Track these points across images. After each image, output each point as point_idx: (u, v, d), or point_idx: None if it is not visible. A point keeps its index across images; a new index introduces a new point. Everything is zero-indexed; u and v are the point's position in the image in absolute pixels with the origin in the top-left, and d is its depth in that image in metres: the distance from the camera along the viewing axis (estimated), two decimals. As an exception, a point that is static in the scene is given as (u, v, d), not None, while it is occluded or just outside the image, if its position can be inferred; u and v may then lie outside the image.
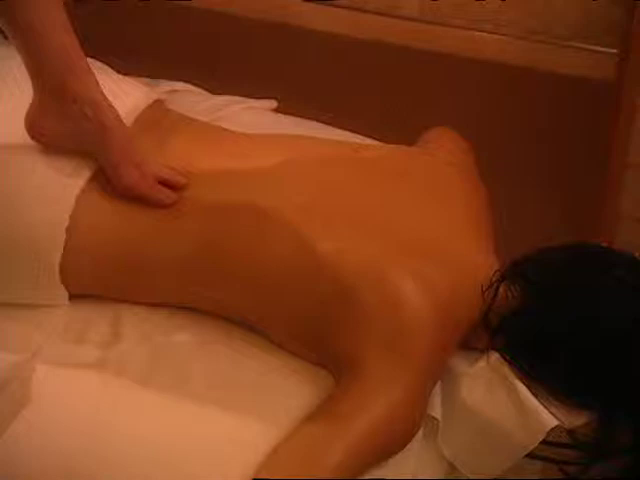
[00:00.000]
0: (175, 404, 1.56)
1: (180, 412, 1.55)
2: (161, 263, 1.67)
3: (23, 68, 1.76)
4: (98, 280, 1.70)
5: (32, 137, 1.68)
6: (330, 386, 1.55)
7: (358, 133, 2.05)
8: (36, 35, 1.61)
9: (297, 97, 2.21)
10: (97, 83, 1.65)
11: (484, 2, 2.70)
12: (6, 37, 1.66)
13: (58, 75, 1.62)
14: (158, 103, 1.88)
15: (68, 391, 1.57)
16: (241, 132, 1.87)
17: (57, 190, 1.63)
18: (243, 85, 2.19)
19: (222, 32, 2.77)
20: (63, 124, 1.66)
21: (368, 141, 2.03)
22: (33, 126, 1.69)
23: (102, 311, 1.69)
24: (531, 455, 1.47)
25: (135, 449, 1.51)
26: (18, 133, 1.76)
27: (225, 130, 1.88)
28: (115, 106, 1.72)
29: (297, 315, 1.58)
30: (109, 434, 1.52)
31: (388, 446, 1.45)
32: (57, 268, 1.64)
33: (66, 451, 1.49)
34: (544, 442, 1.46)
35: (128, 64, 1.97)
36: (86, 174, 1.67)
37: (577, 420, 1.46)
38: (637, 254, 1.69)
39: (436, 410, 1.53)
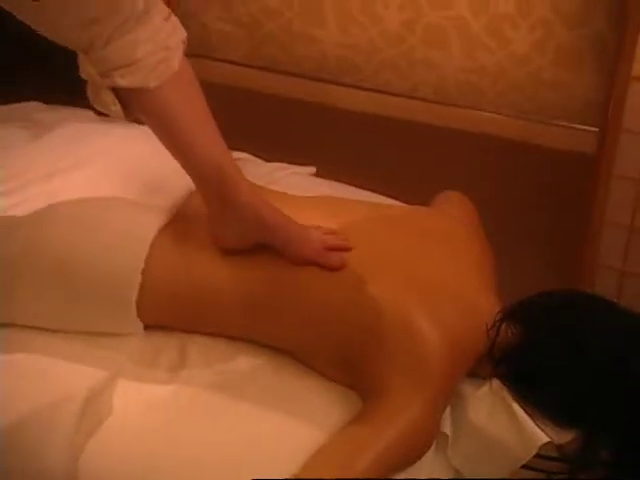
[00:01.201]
0: (234, 415, 1.56)
1: (238, 422, 1.54)
2: (226, 302, 1.65)
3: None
4: (169, 314, 1.68)
5: (221, 247, 1.66)
6: (357, 404, 1.54)
7: (382, 194, 2.06)
8: (186, 149, 1.59)
9: (331, 164, 2.22)
10: (249, 185, 1.63)
11: (487, 87, 2.74)
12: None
13: (213, 188, 1.60)
14: None
15: (144, 404, 1.56)
16: (291, 194, 1.85)
17: (134, 237, 1.62)
18: (288, 154, 2.19)
19: (270, 111, 2.80)
20: (235, 228, 1.64)
21: (390, 201, 2.03)
22: (216, 238, 1.66)
23: (170, 340, 1.68)
24: (526, 466, 1.47)
25: (201, 452, 1.50)
26: (100, 189, 1.80)
27: (279, 192, 1.85)
28: (183, 171, 1.70)
29: (334, 347, 1.58)
30: (179, 440, 1.51)
31: (408, 456, 1.45)
32: (134, 305, 1.63)
33: (144, 455, 1.49)
34: (537, 455, 1.46)
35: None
36: (158, 224, 1.67)
37: (564, 438, 1.46)
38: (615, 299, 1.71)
39: (446, 427, 1.53)
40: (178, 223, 1.71)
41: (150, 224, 1.66)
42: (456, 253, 1.67)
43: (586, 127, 2.55)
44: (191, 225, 1.70)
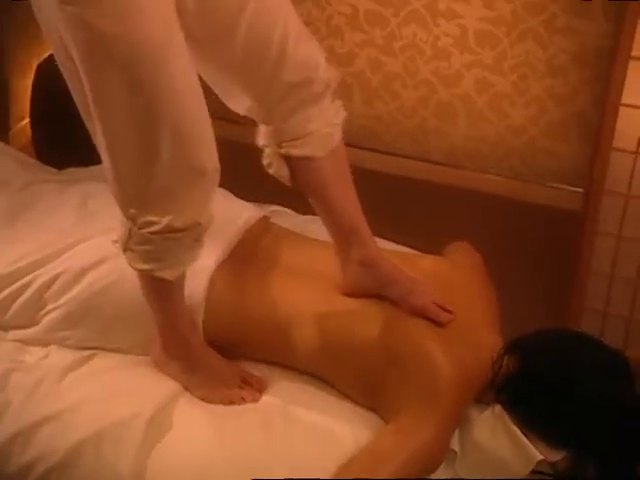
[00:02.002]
0: (286, 422, 1.55)
1: (289, 426, 1.54)
2: (276, 330, 1.64)
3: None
4: (224, 339, 1.66)
5: (342, 291, 1.65)
6: (378, 424, 1.55)
7: (400, 244, 2.05)
8: None
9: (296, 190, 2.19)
10: (375, 244, 1.66)
11: (489, 153, 2.74)
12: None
13: (347, 242, 1.64)
14: (265, 218, 1.86)
15: (202, 418, 1.56)
16: (322, 240, 1.82)
17: (196, 271, 1.57)
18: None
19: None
20: (359, 277, 1.63)
21: (408, 250, 1.98)
22: (342, 283, 1.65)
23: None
24: (523, 480, 1.48)
25: (253, 453, 1.50)
26: None
27: (313, 239, 1.85)
28: (237, 219, 1.74)
29: (362, 376, 1.57)
30: (233, 443, 1.51)
31: (423, 469, 1.45)
32: (201, 329, 1.63)
33: (200, 461, 1.49)
34: (533, 471, 1.46)
35: (239, 193, 1.96)
36: (217, 259, 1.66)
37: (556, 456, 1.46)
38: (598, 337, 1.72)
39: (455, 444, 1.52)
40: (232, 262, 1.69)
41: (210, 259, 1.64)
42: (466, 297, 1.66)
43: (573, 188, 2.55)
44: (243, 264, 1.70)
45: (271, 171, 1.62)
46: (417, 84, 2.71)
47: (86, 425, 1.52)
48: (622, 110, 2.06)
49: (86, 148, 2.13)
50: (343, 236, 1.65)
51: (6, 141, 2.56)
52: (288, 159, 1.59)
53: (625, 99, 2.05)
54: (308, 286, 1.66)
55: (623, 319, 2.25)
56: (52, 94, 2.65)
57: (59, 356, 1.68)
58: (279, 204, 2.12)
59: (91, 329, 1.69)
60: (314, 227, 1.97)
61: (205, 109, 1.43)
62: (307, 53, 1.54)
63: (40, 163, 2.27)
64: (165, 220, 1.42)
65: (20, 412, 1.55)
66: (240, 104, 1.60)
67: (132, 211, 1.44)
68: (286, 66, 1.51)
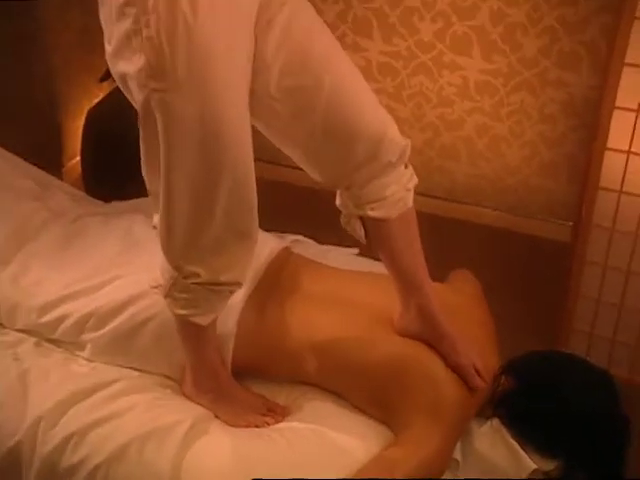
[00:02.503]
0: (309, 432, 1.53)
1: (309, 436, 1.52)
2: (295, 354, 1.61)
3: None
4: (253, 363, 1.65)
5: (395, 328, 1.61)
6: (388, 435, 1.53)
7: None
8: None
9: (368, 248, 2.20)
10: (435, 296, 1.59)
11: (487, 189, 2.76)
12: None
13: (409, 293, 1.59)
14: (286, 248, 1.81)
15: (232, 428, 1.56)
16: (342, 269, 1.81)
17: (225, 308, 1.56)
18: (332, 238, 2.07)
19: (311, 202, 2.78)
20: (413, 322, 1.59)
21: None
22: (396, 322, 1.61)
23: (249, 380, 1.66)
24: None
25: (282, 457, 1.48)
26: None
27: (331, 267, 1.81)
28: (261, 252, 1.66)
29: (373, 393, 1.56)
30: (263, 451, 1.49)
31: (429, 476, 1.43)
32: (230, 357, 1.62)
33: (228, 460, 1.48)
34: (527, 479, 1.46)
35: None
36: (244, 295, 1.63)
37: (549, 466, 1.45)
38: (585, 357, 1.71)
39: (458, 454, 1.52)
40: (257, 294, 1.66)
41: (237, 296, 1.60)
42: (467, 321, 1.65)
43: (564, 222, 2.58)
44: (266, 295, 1.66)
45: (348, 229, 1.59)
46: (424, 127, 2.74)
47: (132, 428, 1.51)
48: (607, 154, 2.06)
49: (129, 183, 2.10)
50: (406, 288, 1.61)
51: (59, 177, 2.55)
52: (364, 219, 1.57)
53: (610, 144, 2.05)
54: (325, 311, 1.64)
55: (608, 340, 2.24)
56: (100, 136, 2.70)
57: (106, 369, 1.67)
58: (298, 233, 2.08)
59: (131, 357, 1.67)
60: (331, 255, 1.97)
61: (254, 178, 1.43)
62: (381, 126, 1.49)
63: (89, 197, 2.26)
64: (209, 274, 1.43)
65: (74, 415, 1.55)
66: (318, 174, 1.58)
67: (179, 262, 1.44)
68: (363, 141, 1.47)
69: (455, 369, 1.54)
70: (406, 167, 1.55)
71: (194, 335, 1.54)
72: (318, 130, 1.48)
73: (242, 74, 1.36)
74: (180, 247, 1.44)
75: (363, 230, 1.58)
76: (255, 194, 1.44)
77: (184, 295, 1.46)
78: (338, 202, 1.59)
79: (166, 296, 1.49)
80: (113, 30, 1.31)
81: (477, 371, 1.54)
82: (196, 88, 1.29)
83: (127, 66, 1.31)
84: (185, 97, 1.29)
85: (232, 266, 1.46)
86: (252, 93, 1.43)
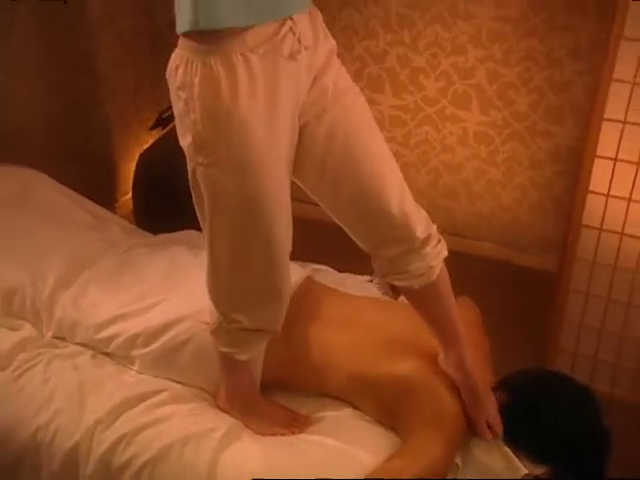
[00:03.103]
0: (327, 442, 1.51)
1: (327, 445, 1.50)
2: (316, 373, 1.60)
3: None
4: (273, 381, 1.63)
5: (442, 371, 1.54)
6: (396, 440, 1.52)
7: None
8: None
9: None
10: (471, 355, 1.51)
11: (483, 226, 2.75)
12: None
13: (451, 347, 1.51)
14: (309, 277, 1.78)
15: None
16: (358, 295, 1.78)
17: None
18: (349, 267, 2.04)
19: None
20: (451, 367, 1.52)
21: None
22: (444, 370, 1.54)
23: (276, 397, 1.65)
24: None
25: (303, 462, 1.47)
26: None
27: (348, 294, 1.78)
28: None
29: (384, 405, 1.54)
30: (287, 456, 1.48)
31: (435, 476, 1.42)
32: (260, 376, 1.60)
33: (257, 461, 1.47)
34: None
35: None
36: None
37: (539, 470, 1.44)
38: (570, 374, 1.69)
39: (458, 459, 1.50)
40: (285, 319, 1.57)
41: None
42: (468, 342, 1.60)
43: (551, 255, 2.56)
44: (291, 321, 1.60)
45: (379, 286, 1.57)
46: (428, 171, 2.74)
47: (174, 433, 1.52)
48: (589, 196, 2.06)
49: (173, 217, 2.18)
50: (441, 341, 1.53)
51: (113, 211, 2.55)
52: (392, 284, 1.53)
53: (591, 188, 2.05)
54: (343, 334, 1.62)
55: (590, 359, 2.22)
56: (149, 176, 2.71)
57: (152, 380, 1.67)
58: (319, 262, 2.05)
59: (173, 371, 1.67)
60: (348, 282, 1.94)
61: (288, 247, 1.41)
62: (408, 213, 1.42)
63: (138, 229, 2.26)
64: (250, 322, 1.43)
65: (125, 420, 1.55)
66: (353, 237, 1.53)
67: (223, 308, 1.45)
68: (390, 225, 1.42)
69: (470, 420, 1.50)
70: (435, 246, 1.46)
71: (232, 365, 1.54)
72: (350, 214, 1.46)
73: (280, 157, 1.32)
74: (223, 298, 1.45)
75: (391, 291, 1.55)
76: (288, 253, 1.42)
77: (227, 337, 1.48)
78: (372, 262, 1.53)
79: (212, 334, 1.50)
80: (175, 108, 1.32)
81: (489, 425, 1.50)
82: (235, 167, 1.27)
83: (182, 140, 1.31)
84: (225, 173, 1.28)
85: (270, 317, 1.46)
86: (297, 168, 1.40)
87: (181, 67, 1.25)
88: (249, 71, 1.22)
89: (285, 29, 1.25)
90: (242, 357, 1.51)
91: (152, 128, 2.73)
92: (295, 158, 1.39)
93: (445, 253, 1.49)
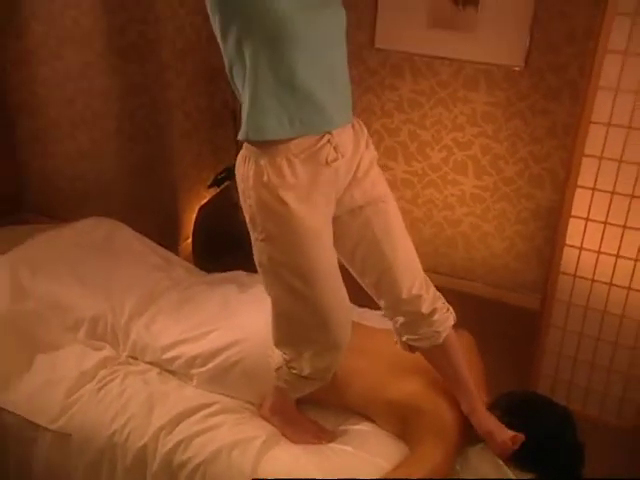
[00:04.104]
0: (349, 450, 1.50)
1: (349, 453, 1.49)
2: (339, 391, 1.58)
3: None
4: (310, 397, 1.58)
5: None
6: (405, 449, 1.50)
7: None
8: None
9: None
10: (482, 403, 1.47)
11: (478, 268, 2.72)
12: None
13: (463, 397, 1.48)
14: None
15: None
16: (372, 326, 1.76)
17: None
18: (367, 304, 1.94)
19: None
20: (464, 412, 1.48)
21: None
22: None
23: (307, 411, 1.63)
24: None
25: (329, 466, 1.45)
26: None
27: (367, 326, 1.74)
28: None
29: (394, 418, 1.53)
30: (316, 461, 1.47)
31: (438, 476, 1.41)
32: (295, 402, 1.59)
33: (290, 463, 1.47)
34: None
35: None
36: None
37: (525, 477, 1.42)
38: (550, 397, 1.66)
39: (458, 465, 1.48)
40: None
41: None
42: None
43: (534, 295, 2.50)
44: None
45: (399, 346, 1.52)
46: (432, 225, 2.72)
47: (224, 438, 1.51)
48: (565, 249, 2.04)
49: (225, 260, 2.20)
50: (454, 391, 1.50)
51: (176, 252, 2.55)
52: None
53: (567, 242, 2.03)
54: (362, 360, 1.59)
55: (567, 383, 2.18)
56: (206, 225, 2.70)
57: (207, 395, 1.65)
58: None
59: (225, 387, 1.65)
60: (367, 315, 1.91)
61: (345, 297, 1.38)
62: (417, 295, 1.42)
63: (197, 269, 2.22)
64: (306, 371, 1.43)
65: (184, 426, 1.55)
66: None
67: (285, 356, 1.44)
68: (402, 302, 1.42)
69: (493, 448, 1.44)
70: (442, 314, 1.45)
71: (283, 392, 1.54)
72: (371, 287, 1.45)
73: (319, 233, 1.31)
74: (285, 348, 1.44)
75: (409, 349, 1.51)
76: (347, 309, 1.39)
77: (286, 378, 1.47)
78: (391, 323, 1.52)
79: (275, 372, 1.49)
80: (239, 192, 1.33)
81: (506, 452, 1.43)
82: (282, 244, 1.28)
83: (245, 215, 1.33)
84: (275, 248, 1.29)
85: (323, 368, 1.44)
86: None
87: (242, 164, 1.29)
88: (292, 171, 1.24)
89: (323, 141, 1.26)
90: (293, 396, 1.51)
91: (210, 186, 2.74)
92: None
93: (452, 321, 1.47)
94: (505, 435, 1.42)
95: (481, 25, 2.31)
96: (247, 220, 1.33)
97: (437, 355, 1.49)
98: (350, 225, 1.38)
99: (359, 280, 1.48)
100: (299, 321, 1.38)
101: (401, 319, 1.46)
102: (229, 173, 2.61)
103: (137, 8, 2.40)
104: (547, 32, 2.28)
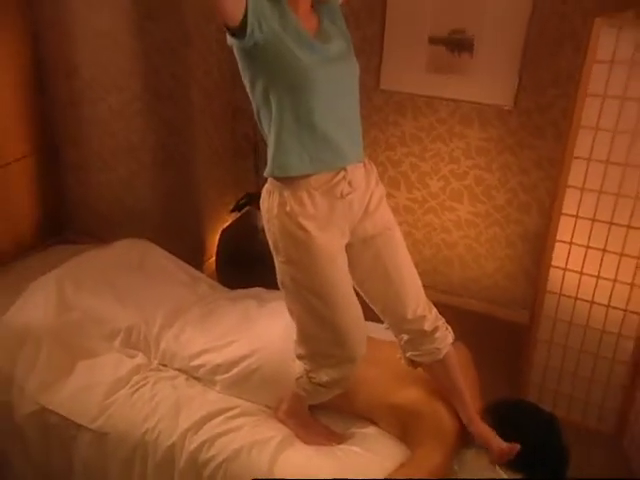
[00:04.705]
0: (357, 451, 1.49)
1: (356, 453, 1.49)
2: (348, 398, 1.56)
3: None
4: (321, 403, 1.57)
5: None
6: (407, 450, 1.49)
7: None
8: None
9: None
10: (480, 420, 1.46)
11: (473, 287, 2.69)
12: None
13: (464, 416, 1.47)
14: None
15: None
16: (378, 338, 1.71)
17: None
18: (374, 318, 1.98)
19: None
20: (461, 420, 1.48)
21: None
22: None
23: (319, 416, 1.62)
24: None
25: (338, 465, 1.45)
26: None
27: (374, 338, 1.64)
28: None
29: (396, 422, 1.53)
30: (327, 461, 1.46)
31: (437, 476, 1.41)
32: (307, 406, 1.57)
33: (304, 462, 1.46)
34: None
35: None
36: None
37: (516, 476, 1.42)
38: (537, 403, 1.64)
39: (455, 465, 1.48)
40: None
41: None
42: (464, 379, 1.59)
43: (523, 311, 2.48)
44: None
45: (403, 362, 1.53)
46: (431, 246, 2.71)
47: (244, 438, 1.51)
48: (551, 269, 2.04)
49: (245, 277, 2.18)
50: (451, 402, 1.49)
51: (201, 269, 2.55)
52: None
53: (553, 263, 2.03)
54: (369, 369, 1.58)
55: (553, 392, 2.17)
56: (228, 246, 2.67)
57: (229, 399, 1.66)
58: None
59: (245, 392, 1.65)
60: (372, 328, 1.87)
61: (361, 316, 1.38)
62: (420, 315, 1.43)
63: (220, 285, 2.22)
64: (324, 380, 1.42)
65: (208, 427, 1.54)
66: None
67: (306, 366, 1.44)
68: (406, 322, 1.43)
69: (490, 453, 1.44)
70: (442, 332, 1.46)
71: (299, 396, 1.53)
72: (378, 308, 1.47)
73: (334, 257, 1.32)
74: (306, 360, 1.44)
75: (412, 364, 1.51)
76: (361, 325, 1.39)
77: (305, 387, 1.47)
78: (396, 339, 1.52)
79: (296, 381, 1.49)
80: (263, 220, 1.35)
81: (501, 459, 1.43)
82: (302, 267, 1.30)
83: (269, 241, 1.35)
84: (295, 269, 1.31)
85: (340, 378, 1.43)
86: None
87: (267, 197, 1.32)
88: (312, 202, 1.28)
89: (339, 177, 1.30)
90: (311, 402, 1.51)
91: (231, 211, 2.74)
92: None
93: (450, 340, 1.48)
94: (502, 444, 1.42)
95: (475, 69, 2.34)
96: (270, 245, 1.35)
97: (437, 370, 1.49)
98: (362, 255, 1.40)
99: (367, 301, 1.49)
100: (318, 336, 1.39)
101: (405, 337, 1.47)
102: (249, 199, 2.61)
103: (172, 54, 2.43)
104: (534, 76, 2.30)
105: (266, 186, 1.34)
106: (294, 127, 1.24)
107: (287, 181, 1.28)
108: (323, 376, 1.43)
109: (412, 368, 1.52)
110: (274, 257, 1.37)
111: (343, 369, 1.43)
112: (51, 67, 2.55)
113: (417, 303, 1.44)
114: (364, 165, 1.38)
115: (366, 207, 1.38)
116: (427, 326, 1.44)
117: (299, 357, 1.47)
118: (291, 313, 1.42)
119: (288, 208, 1.28)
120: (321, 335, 1.38)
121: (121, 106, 2.56)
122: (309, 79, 1.21)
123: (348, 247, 1.39)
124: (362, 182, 1.36)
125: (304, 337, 1.42)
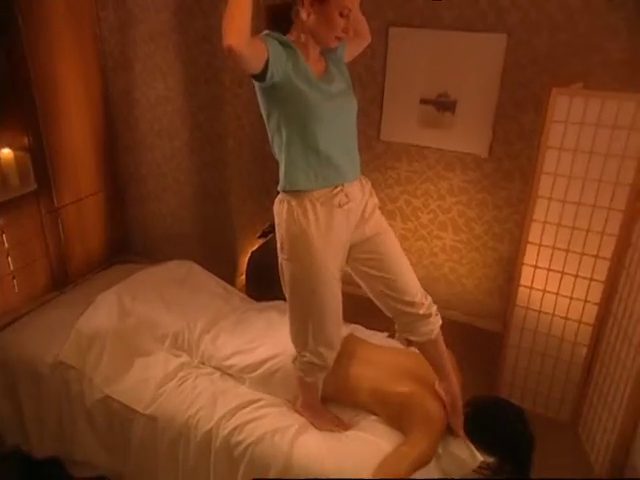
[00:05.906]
0: (361, 436, 1.47)
1: (361, 438, 1.46)
2: (351, 392, 1.55)
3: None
4: (330, 396, 1.59)
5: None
6: (401, 436, 1.48)
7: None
8: None
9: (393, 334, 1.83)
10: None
11: (458, 301, 2.65)
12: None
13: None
14: (351, 333, 1.72)
15: (316, 437, 1.48)
16: (378, 344, 1.72)
17: None
18: (375, 326, 1.89)
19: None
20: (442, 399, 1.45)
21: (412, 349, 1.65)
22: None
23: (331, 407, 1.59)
24: (473, 471, 1.43)
25: (346, 448, 1.43)
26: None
27: (374, 344, 1.70)
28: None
29: (392, 412, 1.51)
30: (338, 445, 1.45)
31: (423, 463, 1.41)
32: (320, 393, 1.54)
33: (318, 448, 1.45)
34: (478, 467, 1.42)
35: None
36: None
37: (490, 459, 1.41)
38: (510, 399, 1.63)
39: (439, 449, 1.46)
40: (335, 360, 1.52)
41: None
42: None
43: (497, 321, 2.45)
44: (339, 361, 1.55)
45: (400, 342, 1.51)
46: (422, 268, 2.68)
47: (268, 425, 1.50)
48: (520, 288, 2.04)
49: (270, 292, 2.11)
50: (438, 374, 1.49)
51: (233, 285, 2.43)
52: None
53: (521, 283, 2.03)
54: (369, 368, 1.58)
55: (520, 388, 2.16)
56: (256, 266, 2.65)
57: (256, 393, 1.65)
58: (356, 323, 1.94)
59: (269, 388, 1.63)
60: (369, 334, 1.86)
61: (339, 313, 1.38)
62: (418, 303, 1.41)
63: (249, 298, 2.16)
64: (314, 359, 1.42)
65: (239, 416, 1.54)
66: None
67: (298, 349, 1.45)
68: (406, 308, 1.41)
69: (451, 424, 1.44)
70: (434, 316, 1.45)
71: (306, 387, 1.53)
72: (381, 302, 1.45)
73: (330, 261, 1.33)
74: (299, 344, 1.45)
75: (405, 342, 1.51)
76: (339, 321, 1.39)
77: (300, 366, 1.48)
78: (395, 323, 1.49)
79: (293, 363, 1.51)
80: (276, 226, 1.37)
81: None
82: (301, 264, 1.31)
83: (277, 240, 1.37)
84: (295, 266, 1.32)
85: (325, 358, 1.44)
86: (352, 269, 1.41)
87: (278, 204, 1.35)
88: (314, 211, 1.30)
89: (337, 190, 1.33)
90: (308, 379, 1.49)
91: (259, 237, 2.74)
92: (350, 264, 1.40)
93: (440, 322, 1.49)
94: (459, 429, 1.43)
95: (457, 125, 2.37)
96: (278, 244, 1.36)
97: (429, 348, 1.48)
98: (362, 249, 1.41)
99: (369, 292, 1.46)
100: (305, 322, 1.40)
101: (403, 320, 1.45)
102: (273, 227, 2.61)
103: (210, 109, 2.48)
104: (504, 131, 2.32)
105: (278, 196, 1.37)
106: (302, 151, 1.27)
107: (295, 193, 1.31)
108: (309, 355, 1.43)
109: (404, 364, 1.51)
110: (279, 255, 1.37)
111: (324, 351, 1.43)
112: (119, 123, 2.63)
113: (416, 290, 1.43)
114: (360, 180, 1.40)
115: (362, 214, 1.39)
116: (423, 310, 1.43)
117: (293, 342, 1.46)
118: (288, 302, 1.42)
119: (295, 215, 1.30)
120: (308, 321, 1.38)
121: (172, 152, 2.62)
122: (315, 112, 1.25)
123: (350, 248, 1.39)
124: (358, 194, 1.37)
125: (295, 322, 1.41)
